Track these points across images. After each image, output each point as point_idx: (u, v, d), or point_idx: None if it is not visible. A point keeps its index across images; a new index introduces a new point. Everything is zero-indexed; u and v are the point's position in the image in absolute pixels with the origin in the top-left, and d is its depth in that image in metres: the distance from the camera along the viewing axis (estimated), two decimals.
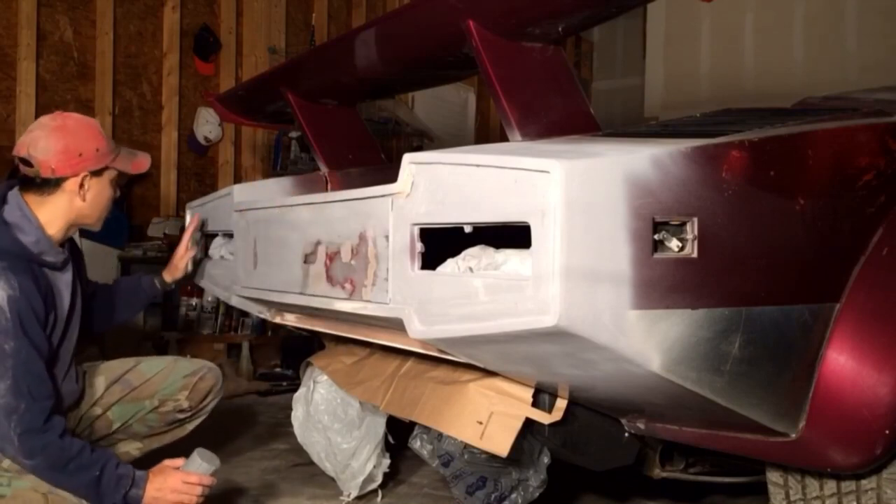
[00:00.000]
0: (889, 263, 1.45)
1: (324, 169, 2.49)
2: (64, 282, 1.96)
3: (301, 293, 1.86)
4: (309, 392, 2.36)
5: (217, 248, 2.46)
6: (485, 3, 1.54)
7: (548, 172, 1.16)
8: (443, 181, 1.37)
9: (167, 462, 1.89)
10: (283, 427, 3.15)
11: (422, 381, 1.92)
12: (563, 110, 1.63)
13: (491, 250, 1.40)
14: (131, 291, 2.36)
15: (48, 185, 1.88)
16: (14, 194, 1.89)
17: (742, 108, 1.85)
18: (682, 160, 1.25)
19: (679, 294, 1.24)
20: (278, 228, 1.97)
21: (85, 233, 2.08)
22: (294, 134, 4.78)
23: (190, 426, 2.34)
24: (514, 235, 1.29)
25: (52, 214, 1.90)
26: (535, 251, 1.19)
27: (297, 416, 2.39)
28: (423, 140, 5.72)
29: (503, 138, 1.68)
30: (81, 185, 1.91)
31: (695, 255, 1.25)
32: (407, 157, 1.44)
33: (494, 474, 2.08)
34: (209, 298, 4.24)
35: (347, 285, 1.66)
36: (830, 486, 1.54)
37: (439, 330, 1.39)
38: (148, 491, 1.81)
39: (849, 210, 1.46)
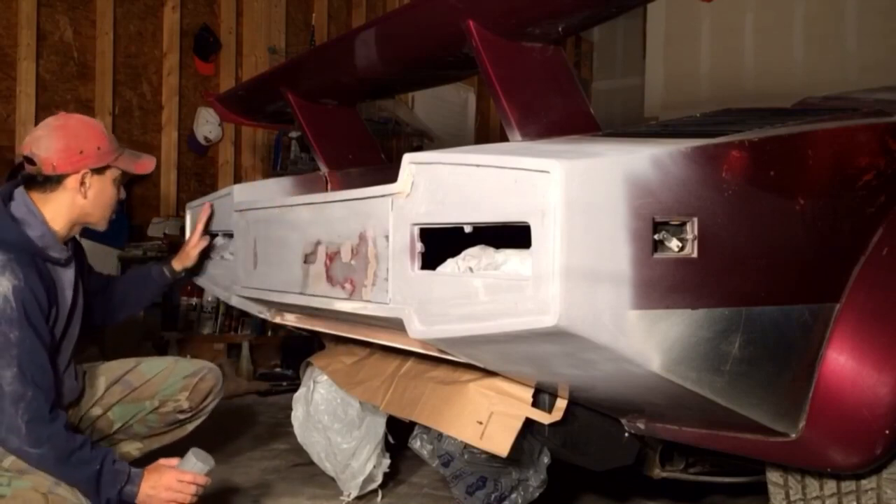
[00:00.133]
0: (889, 263, 1.45)
1: (324, 169, 2.49)
2: (67, 279, 1.98)
3: (301, 293, 1.86)
4: (309, 392, 2.36)
5: (217, 247, 2.46)
6: (485, 3, 1.54)
7: (548, 172, 1.16)
8: (443, 181, 1.37)
9: (162, 461, 1.90)
10: (283, 427, 3.15)
11: (422, 381, 1.92)
12: (563, 110, 1.63)
13: (491, 250, 1.40)
14: (142, 281, 2.37)
15: (50, 182, 1.92)
16: (20, 192, 1.92)
17: (742, 108, 1.85)
18: (682, 160, 1.25)
19: (679, 294, 1.24)
20: (278, 228, 1.97)
21: (85, 232, 2.07)
22: (294, 134, 4.78)
23: (190, 426, 2.35)
24: (514, 235, 1.29)
25: (56, 212, 1.93)
26: (535, 251, 1.19)
27: (297, 416, 2.39)
28: (423, 140, 5.72)
29: (503, 138, 1.68)
30: (83, 183, 1.94)
31: (695, 255, 1.25)
32: (407, 157, 1.44)
33: (494, 474, 2.08)
34: (209, 298, 4.24)
35: (347, 285, 1.66)
36: (830, 486, 1.54)
37: (439, 330, 1.39)
38: (142, 488, 1.82)
39: (849, 210, 1.46)
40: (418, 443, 2.14)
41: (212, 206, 2.39)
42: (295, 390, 2.47)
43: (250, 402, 3.78)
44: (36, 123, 3.91)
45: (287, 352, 4.37)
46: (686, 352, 1.26)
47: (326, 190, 2.44)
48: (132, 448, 2.26)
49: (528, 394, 1.65)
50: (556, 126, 1.60)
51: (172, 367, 2.29)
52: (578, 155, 1.21)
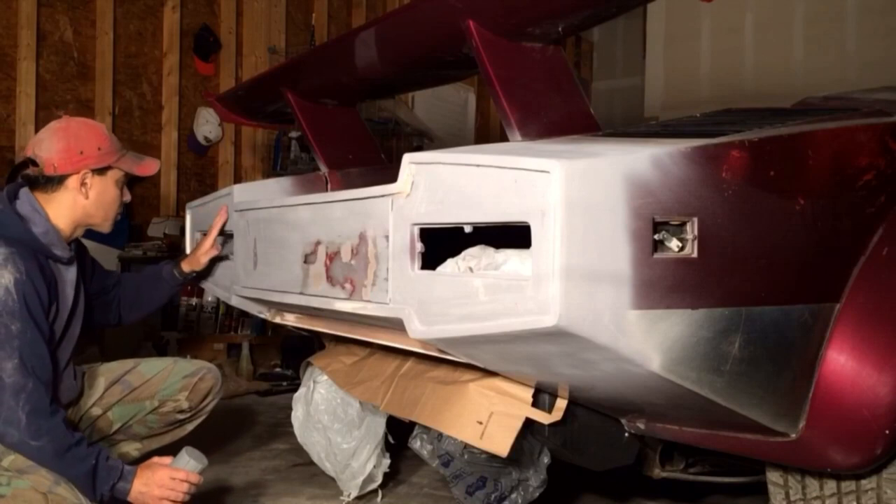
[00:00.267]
0: (889, 263, 1.45)
1: (324, 169, 2.49)
2: (69, 278, 1.99)
3: (301, 293, 1.86)
4: (309, 392, 2.36)
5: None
6: (485, 3, 1.54)
7: (548, 172, 1.16)
8: (443, 181, 1.37)
9: (155, 459, 1.90)
10: (283, 427, 3.15)
11: (422, 381, 1.92)
12: (563, 110, 1.63)
13: (491, 250, 1.40)
14: (154, 281, 2.37)
15: (52, 182, 1.94)
16: (25, 191, 1.95)
17: (742, 108, 1.85)
18: (682, 160, 1.25)
19: (679, 294, 1.24)
20: (278, 228, 1.97)
21: (87, 233, 2.08)
22: (294, 134, 4.78)
23: (190, 426, 2.35)
24: (514, 235, 1.29)
25: (58, 211, 1.95)
26: (535, 251, 1.19)
27: (297, 416, 2.39)
28: (423, 140, 5.72)
29: (503, 138, 1.68)
30: (84, 183, 1.96)
31: (695, 255, 1.25)
32: (407, 157, 1.44)
33: (494, 474, 2.08)
34: (209, 298, 4.24)
35: (347, 285, 1.66)
36: (830, 486, 1.54)
37: (439, 330, 1.39)
38: (135, 485, 1.82)
39: (849, 210, 1.46)
40: (418, 443, 2.14)
41: (227, 209, 2.30)
42: (295, 390, 2.47)
43: (250, 402, 3.78)
44: (36, 123, 3.92)
45: (287, 352, 4.37)
46: (686, 352, 1.26)
47: (326, 190, 2.44)
48: (131, 448, 2.26)
49: (528, 394, 1.65)
50: (556, 126, 1.60)
51: (172, 367, 2.29)
52: (578, 155, 1.21)
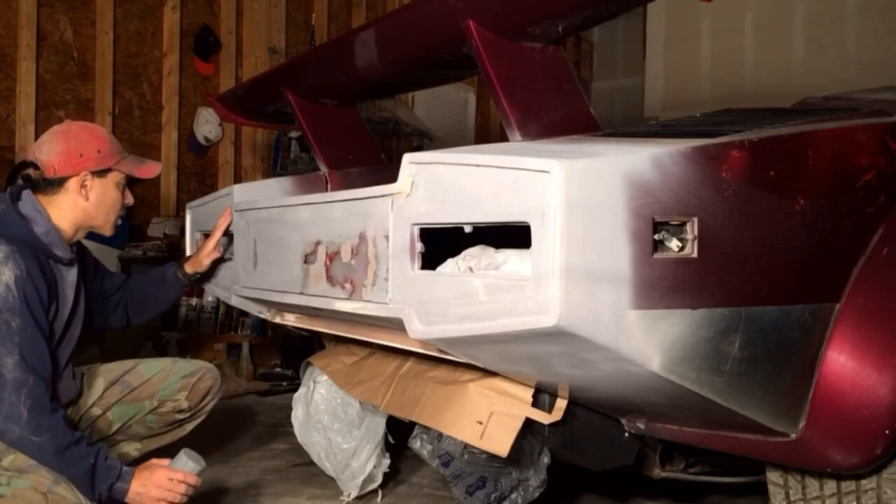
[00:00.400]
0: (889, 263, 1.45)
1: (324, 169, 2.48)
2: (69, 279, 2.00)
3: (301, 293, 1.86)
4: (309, 392, 2.36)
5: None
6: (485, 3, 1.54)
7: (548, 172, 1.16)
8: (443, 181, 1.37)
9: (154, 460, 1.91)
10: (283, 427, 3.15)
11: (422, 381, 1.92)
12: (563, 110, 1.63)
13: (491, 250, 1.40)
14: (160, 283, 2.37)
15: (52, 184, 1.96)
16: (27, 193, 1.97)
17: (742, 108, 1.85)
18: (682, 160, 1.25)
19: (679, 294, 1.24)
20: (278, 228, 1.97)
21: (88, 234, 2.08)
22: (294, 134, 4.78)
23: (189, 426, 2.35)
24: (514, 235, 1.29)
25: (59, 213, 1.97)
26: (535, 251, 1.19)
27: (297, 416, 2.39)
28: (423, 140, 5.72)
29: (503, 138, 1.68)
30: (83, 185, 1.98)
31: (695, 255, 1.25)
32: (407, 157, 1.44)
33: (494, 474, 2.08)
34: (209, 298, 4.24)
35: (347, 285, 1.66)
36: (830, 486, 1.54)
37: (439, 330, 1.39)
38: (133, 486, 1.83)
39: (849, 210, 1.46)
40: (418, 443, 2.14)
41: (230, 211, 2.28)
42: (295, 390, 2.47)
43: (250, 402, 3.78)
44: (36, 123, 3.92)
45: (287, 352, 4.37)
46: (686, 352, 1.26)
47: (326, 190, 2.44)
48: (131, 448, 2.26)
49: (528, 394, 1.65)
50: (556, 126, 1.60)
51: (171, 367, 2.29)
52: (578, 155, 1.21)
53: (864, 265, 1.45)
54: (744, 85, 5.51)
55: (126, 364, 2.27)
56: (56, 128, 2.02)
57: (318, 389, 2.34)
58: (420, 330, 1.42)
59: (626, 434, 1.71)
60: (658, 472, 1.90)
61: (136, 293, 2.36)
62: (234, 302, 2.30)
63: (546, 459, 2.01)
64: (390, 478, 2.42)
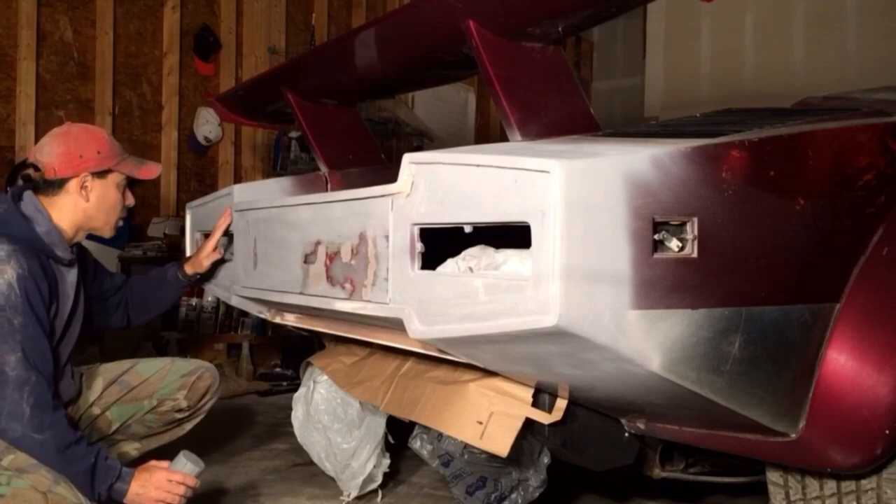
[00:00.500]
0: (889, 263, 1.45)
1: (324, 169, 2.48)
2: (70, 280, 2.00)
3: (301, 293, 1.86)
4: (309, 392, 2.36)
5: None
6: (485, 3, 1.54)
7: (548, 172, 1.16)
8: (443, 181, 1.37)
9: (153, 462, 1.91)
10: (283, 427, 3.15)
11: (422, 381, 1.92)
12: (563, 110, 1.63)
13: (491, 250, 1.40)
14: (160, 284, 2.38)
15: (52, 185, 1.98)
16: (28, 193, 1.98)
17: (742, 108, 1.85)
18: (682, 160, 1.25)
19: (679, 294, 1.24)
20: (278, 228, 1.97)
21: (89, 235, 2.09)
22: (294, 134, 4.78)
23: (188, 426, 2.35)
24: (514, 235, 1.29)
25: (60, 214, 1.98)
26: (535, 251, 1.19)
27: (297, 416, 2.39)
28: (423, 140, 5.72)
29: (503, 138, 1.68)
30: (84, 186, 1.99)
31: (695, 255, 1.25)
32: (407, 157, 1.44)
33: (494, 474, 2.08)
34: (209, 298, 4.24)
35: (347, 285, 1.66)
36: (830, 486, 1.54)
37: (439, 330, 1.39)
38: (132, 486, 1.83)
39: (849, 210, 1.46)
40: (418, 443, 2.14)
41: (230, 211, 2.27)
42: (295, 390, 2.47)
43: (250, 402, 3.78)
44: (36, 123, 3.92)
45: (287, 352, 4.37)
46: (686, 352, 1.26)
47: (326, 190, 2.44)
48: (130, 448, 2.26)
49: (528, 394, 1.65)
50: (556, 126, 1.60)
51: (169, 366, 2.29)
52: (578, 155, 1.21)
53: (864, 265, 1.45)
54: (744, 85, 5.51)
55: (125, 364, 2.27)
56: (56, 130, 2.03)
57: (318, 389, 2.34)
58: (420, 330, 1.42)
59: (626, 434, 1.71)
60: (658, 472, 1.90)
61: (137, 294, 2.36)
62: (234, 302, 2.30)
63: (546, 459, 2.01)
64: (390, 478, 2.42)
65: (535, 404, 1.66)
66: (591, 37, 8.45)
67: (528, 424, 1.67)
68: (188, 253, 2.48)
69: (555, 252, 1.15)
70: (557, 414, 1.66)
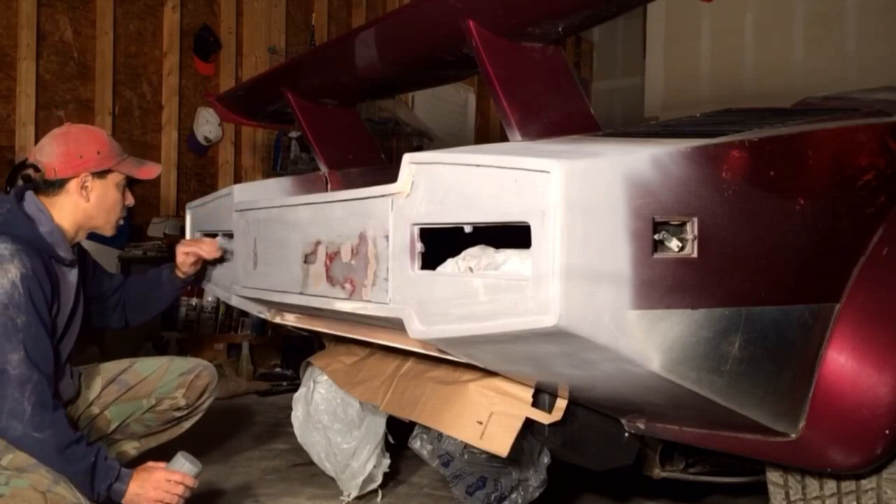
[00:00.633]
0: (889, 263, 1.45)
1: (324, 169, 2.49)
2: (70, 280, 2.02)
3: (301, 293, 1.86)
4: (309, 392, 2.36)
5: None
6: (485, 3, 1.54)
7: (548, 172, 1.16)
8: (443, 181, 1.37)
9: (150, 463, 1.91)
10: (282, 427, 3.15)
11: (422, 381, 1.92)
12: (563, 110, 1.63)
13: (491, 250, 1.40)
14: (156, 284, 2.38)
15: (53, 186, 1.99)
16: (30, 194, 1.99)
17: (742, 108, 1.85)
18: (682, 160, 1.25)
19: (679, 294, 1.24)
20: (278, 228, 1.97)
21: (89, 234, 2.10)
22: (294, 134, 4.78)
23: (186, 424, 2.35)
24: (514, 235, 1.29)
25: (61, 214, 1.99)
26: (535, 251, 1.19)
27: (297, 416, 2.39)
28: (423, 140, 5.72)
29: (503, 138, 1.68)
30: (84, 186, 2.00)
31: (695, 255, 1.25)
32: (407, 157, 1.44)
33: (494, 474, 2.08)
34: (209, 298, 4.24)
35: (347, 285, 1.66)
36: (830, 486, 1.54)
37: (439, 330, 1.39)
38: (131, 487, 1.83)
39: (849, 210, 1.46)
40: (418, 443, 2.14)
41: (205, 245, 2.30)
42: (295, 390, 2.47)
43: (250, 402, 3.78)
44: (36, 123, 3.92)
45: (287, 352, 4.37)
46: (686, 352, 1.26)
47: (326, 190, 2.44)
48: (129, 447, 2.26)
49: (528, 394, 1.65)
50: (556, 126, 1.60)
51: (168, 365, 2.30)
52: (578, 155, 1.21)
53: (864, 265, 1.45)
54: (744, 85, 5.51)
55: (123, 363, 2.28)
56: (56, 130, 2.04)
57: (318, 389, 2.34)
58: (420, 330, 1.42)
59: (626, 434, 1.71)
60: (658, 472, 1.90)
61: (134, 294, 2.36)
62: (234, 302, 2.30)
63: (546, 459, 2.01)
64: (390, 478, 2.42)
65: (535, 404, 1.66)
66: (591, 37, 8.45)
67: (528, 424, 1.67)
68: None
69: (555, 252, 1.15)
70: (557, 414, 1.66)
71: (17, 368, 1.75)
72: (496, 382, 1.70)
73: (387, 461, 2.30)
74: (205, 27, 4.79)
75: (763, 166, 1.34)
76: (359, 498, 2.31)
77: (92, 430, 2.16)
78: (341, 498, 2.32)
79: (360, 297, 1.61)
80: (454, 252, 1.44)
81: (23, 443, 1.75)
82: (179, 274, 2.33)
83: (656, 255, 1.22)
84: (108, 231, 2.10)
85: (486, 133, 6.99)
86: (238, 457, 2.79)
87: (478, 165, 1.30)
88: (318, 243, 1.78)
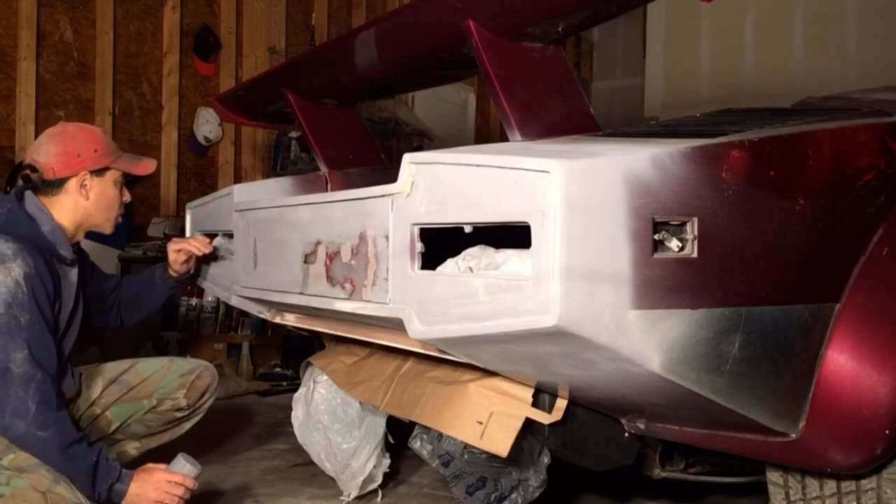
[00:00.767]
0: (889, 263, 1.45)
1: (324, 169, 2.49)
2: (71, 279, 2.02)
3: (301, 293, 1.86)
4: (309, 392, 2.36)
5: (217, 248, 2.45)
6: (485, 3, 1.54)
7: (548, 172, 1.16)
8: (443, 181, 1.37)
9: (150, 465, 1.91)
10: (283, 427, 3.15)
11: (422, 381, 1.92)
12: (563, 110, 1.63)
13: (491, 250, 1.40)
14: (149, 283, 2.38)
15: (52, 186, 2.00)
16: (29, 194, 2.00)
17: (742, 108, 1.85)
18: (682, 160, 1.25)
19: (679, 294, 1.24)
20: (278, 228, 1.97)
21: (88, 233, 2.10)
22: (294, 134, 4.78)
23: (187, 425, 2.35)
24: (514, 235, 1.29)
25: (61, 213, 2.00)
26: (535, 251, 1.19)
27: (297, 416, 2.39)
28: (423, 140, 5.72)
29: (503, 138, 1.68)
30: (83, 185, 2.01)
31: (695, 255, 1.25)
32: (407, 157, 1.44)
33: (494, 474, 2.08)
34: (209, 298, 4.24)
35: (347, 285, 1.66)
36: (830, 486, 1.54)
37: (439, 330, 1.39)
38: (131, 488, 1.84)
39: (849, 210, 1.46)
40: (418, 443, 2.14)
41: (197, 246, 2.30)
42: (295, 390, 2.47)
43: (250, 402, 3.78)
44: (36, 123, 3.92)
45: (287, 352, 4.37)
46: (686, 352, 1.26)
47: (326, 190, 2.44)
48: (130, 447, 2.26)
49: (528, 394, 1.65)
50: (556, 126, 1.60)
51: (168, 365, 2.30)
52: (578, 155, 1.21)
53: (864, 265, 1.45)
54: (744, 85, 5.51)
55: (124, 363, 2.27)
56: (51, 129, 2.05)
57: (318, 389, 2.34)
58: (420, 330, 1.42)
59: (626, 434, 1.71)
60: (658, 472, 1.90)
61: (128, 294, 2.37)
62: (234, 302, 2.30)
63: (546, 459, 2.01)
64: (390, 478, 2.42)
65: (535, 404, 1.66)
66: (591, 37, 8.45)
67: (528, 424, 1.67)
68: None
69: (555, 252, 1.15)
70: (557, 414, 1.66)
71: (20, 367, 1.76)
72: (496, 382, 1.70)
73: (387, 461, 2.30)
74: (205, 27, 4.79)
75: (763, 166, 1.34)
76: (359, 498, 2.31)
77: (93, 430, 2.16)
78: (341, 498, 2.32)
79: (360, 297, 1.61)
80: (454, 252, 1.44)
81: (26, 441, 1.75)
82: (172, 273, 2.33)
83: (656, 255, 1.22)
84: (107, 229, 2.11)
85: (486, 133, 6.99)
86: (238, 457, 2.79)
87: (478, 165, 1.30)
88: (318, 243, 1.78)
